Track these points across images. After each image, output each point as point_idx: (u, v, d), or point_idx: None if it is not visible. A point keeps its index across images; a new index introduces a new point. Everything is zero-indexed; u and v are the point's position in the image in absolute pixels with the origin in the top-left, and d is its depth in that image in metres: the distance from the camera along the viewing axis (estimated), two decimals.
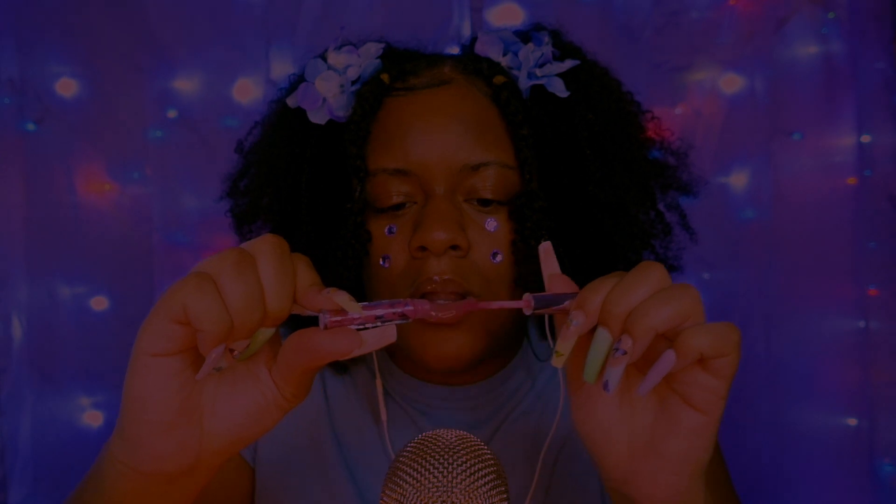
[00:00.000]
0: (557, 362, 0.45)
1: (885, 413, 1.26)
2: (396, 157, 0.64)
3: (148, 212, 1.33)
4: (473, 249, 0.63)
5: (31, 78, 1.30)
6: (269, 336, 0.44)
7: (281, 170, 0.72)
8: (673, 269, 0.75)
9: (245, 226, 0.78)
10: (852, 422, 1.30)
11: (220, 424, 0.45)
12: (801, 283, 1.32)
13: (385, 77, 0.68)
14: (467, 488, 0.44)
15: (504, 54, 0.69)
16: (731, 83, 1.34)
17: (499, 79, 0.67)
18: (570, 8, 1.33)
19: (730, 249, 1.34)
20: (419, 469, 0.45)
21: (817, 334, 1.31)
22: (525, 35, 0.71)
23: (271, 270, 0.42)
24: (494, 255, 0.63)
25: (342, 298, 0.43)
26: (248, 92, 1.33)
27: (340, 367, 0.77)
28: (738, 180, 1.35)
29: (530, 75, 0.68)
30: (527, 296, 0.47)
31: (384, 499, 0.46)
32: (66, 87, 1.31)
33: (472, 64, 0.69)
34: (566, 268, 0.66)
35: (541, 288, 0.49)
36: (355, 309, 0.43)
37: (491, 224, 0.64)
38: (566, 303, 0.46)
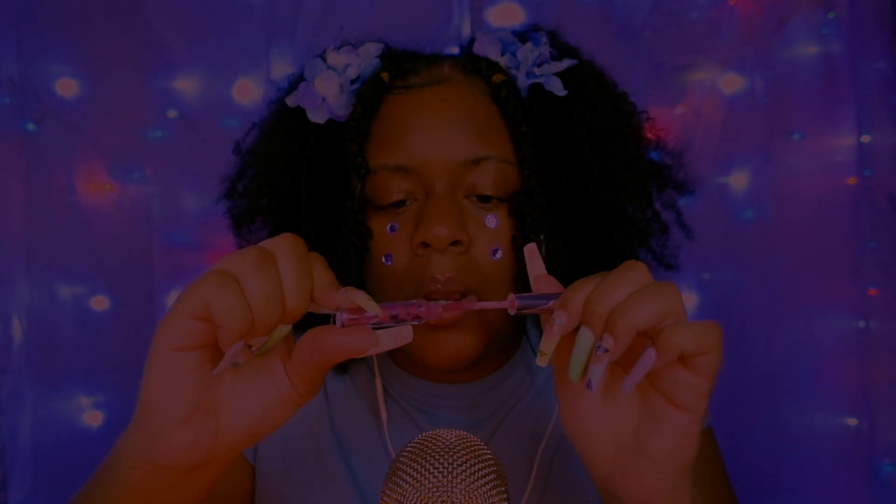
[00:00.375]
0: (541, 361, 0.46)
1: (885, 413, 1.27)
2: (397, 154, 0.64)
3: (148, 212, 1.33)
4: (474, 246, 0.63)
5: (31, 78, 1.30)
6: (286, 333, 0.44)
7: (280, 169, 0.72)
8: (670, 267, 0.76)
9: (243, 226, 0.78)
10: (852, 422, 1.30)
11: (236, 418, 0.45)
12: (800, 283, 1.32)
13: (385, 76, 0.69)
14: (467, 488, 0.44)
15: (502, 54, 0.70)
16: (731, 83, 1.34)
17: (498, 77, 0.67)
18: (570, 8, 1.33)
19: (730, 249, 1.34)
20: (419, 469, 0.45)
21: (817, 334, 1.32)
22: (523, 35, 0.71)
23: (291, 269, 0.42)
24: (495, 251, 0.64)
25: (360, 297, 0.43)
26: (248, 92, 1.33)
27: (341, 367, 0.77)
28: (738, 180, 1.35)
29: (528, 74, 0.68)
30: (511, 296, 0.47)
31: (384, 499, 0.46)
32: (66, 87, 1.31)
33: (471, 63, 0.70)
34: (565, 265, 0.67)
35: None
36: (374, 308, 0.44)
37: (491, 221, 0.64)
38: (550, 303, 0.47)
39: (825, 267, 1.31)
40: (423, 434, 0.47)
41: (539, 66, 0.68)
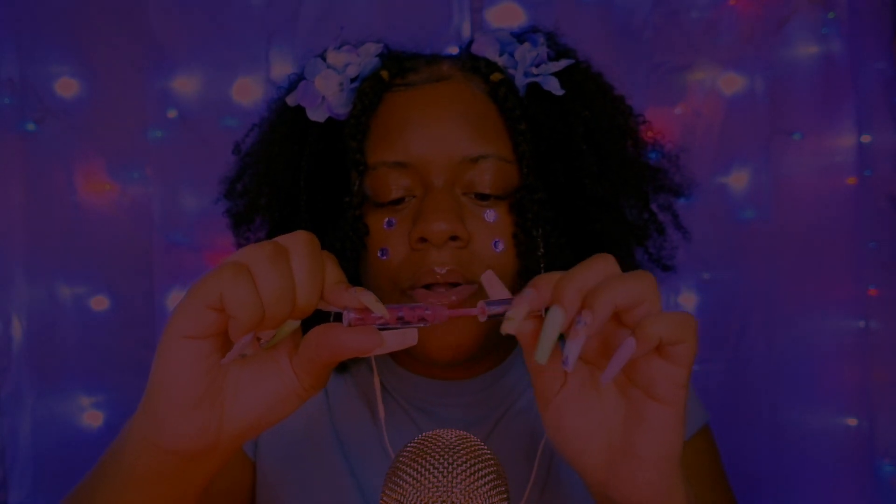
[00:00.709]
0: (507, 327, 0.45)
1: (885, 413, 1.26)
2: (396, 150, 0.65)
3: (148, 212, 1.33)
4: (474, 240, 0.64)
5: (31, 78, 1.30)
6: (294, 328, 0.45)
7: (280, 167, 0.73)
8: (667, 268, 0.76)
9: (242, 226, 0.78)
10: (852, 422, 1.30)
11: (241, 408, 0.46)
12: (801, 283, 1.32)
13: (384, 74, 0.69)
14: (467, 488, 0.44)
15: (500, 54, 0.71)
16: (731, 83, 1.34)
17: (496, 76, 0.68)
18: (571, 8, 1.33)
19: (730, 249, 1.34)
20: (419, 469, 0.45)
21: (817, 334, 1.31)
22: (521, 36, 0.72)
23: (304, 265, 0.43)
24: (496, 244, 0.64)
25: (368, 298, 0.44)
26: (248, 92, 1.33)
27: (341, 366, 0.77)
28: (738, 180, 1.35)
29: (526, 73, 0.69)
30: (481, 303, 0.47)
31: (384, 499, 0.46)
32: (66, 87, 1.31)
33: (470, 62, 0.71)
34: (567, 261, 0.67)
35: None
36: (381, 310, 0.44)
37: (490, 215, 0.65)
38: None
39: (825, 267, 1.31)
40: (423, 434, 0.47)
41: (537, 65, 0.69)
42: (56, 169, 1.31)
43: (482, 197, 0.65)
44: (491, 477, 0.45)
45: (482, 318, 0.47)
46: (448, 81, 0.68)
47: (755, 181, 1.34)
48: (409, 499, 0.44)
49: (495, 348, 0.70)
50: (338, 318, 0.47)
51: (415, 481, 0.44)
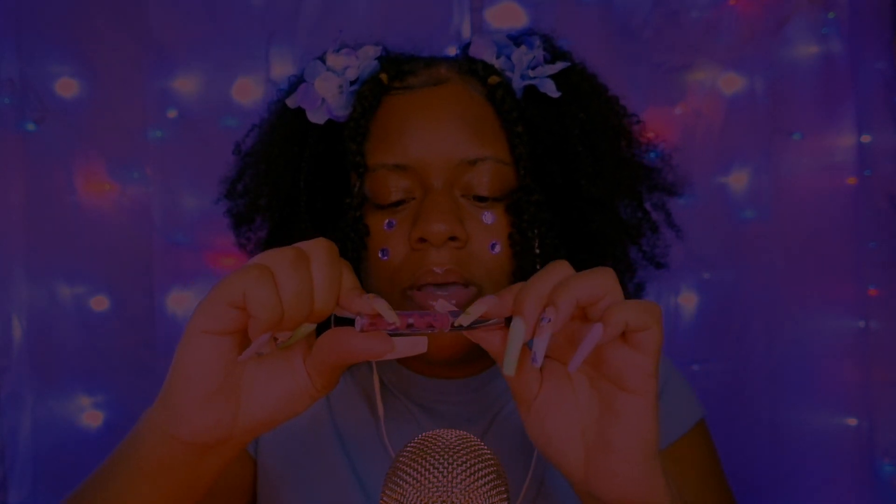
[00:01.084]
0: (463, 320, 0.47)
1: (885, 413, 1.26)
2: (395, 153, 0.66)
3: (148, 212, 1.33)
4: (472, 241, 0.65)
5: (31, 78, 1.30)
6: (310, 331, 0.47)
7: (280, 169, 0.73)
8: (660, 266, 0.78)
9: (243, 226, 0.79)
10: (852, 422, 1.30)
11: (255, 405, 0.48)
12: (801, 283, 1.32)
13: (384, 77, 0.70)
14: (467, 488, 0.44)
15: (497, 57, 0.72)
16: (731, 83, 1.34)
17: (493, 79, 0.69)
18: (570, 8, 1.33)
19: (730, 249, 1.34)
20: (419, 469, 0.45)
21: (817, 334, 1.32)
22: (517, 39, 0.73)
23: (323, 271, 0.45)
24: (493, 246, 0.65)
25: (381, 305, 0.46)
26: (248, 92, 1.33)
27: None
28: (738, 180, 1.35)
29: (523, 76, 0.70)
30: (447, 314, 0.48)
31: (384, 499, 0.46)
32: (66, 87, 1.31)
33: (468, 65, 0.72)
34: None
35: None
36: (392, 317, 0.46)
37: (488, 217, 0.66)
38: (490, 322, 0.48)
39: (825, 267, 1.31)
40: (423, 434, 0.47)
41: (533, 68, 0.70)
42: (56, 169, 1.31)
43: (480, 199, 0.66)
44: (491, 477, 0.45)
45: (445, 330, 0.48)
46: (446, 85, 0.69)
47: (755, 181, 1.34)
48: (409, 499, 0.44)
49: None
50: (339, 322, 0.48)
51: (415, 481, 0.44)
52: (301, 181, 0.71)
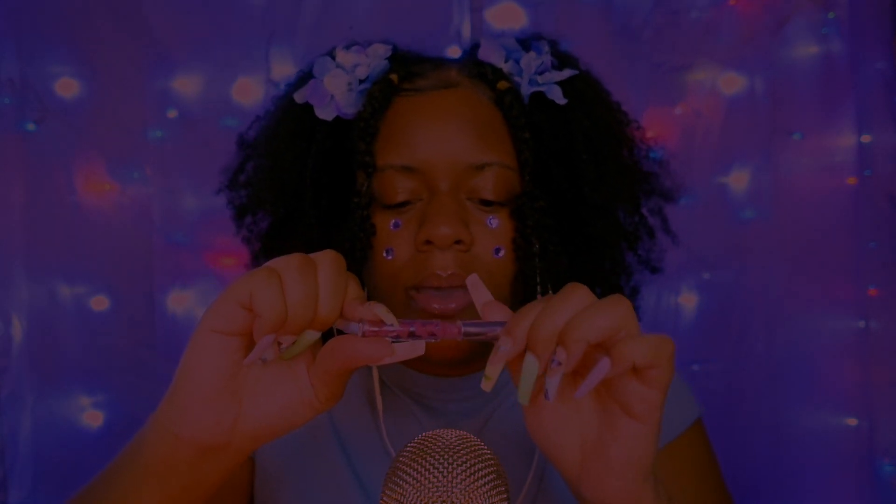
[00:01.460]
0: (486, 386, 0.48)
1: (885, 413, 1.26)
2: (403, 154, 0.66)
3: (148, 212, 1.33)
4: (476, 245, 0.65)
5: (31, 78, 1.29)
6: (314, 340, 0.48)
7: (286, 163, 0.73)
8: (655, 270, 0.78)
9: (245, 216, 0.79)
10: (852, 422, 1.30)
11: (257, 410, 0.49)
12: (801, 283, 1.32)
13: (394, 77, 0.71)
14: (467, 488, 0.44)
15: (505, 60, 0.72)
16: (731, 83, 1.34)
17: (503, 84, 0.70)
18: (571, 8, 1.33)
19: (730, 249, 1.34)
20: (419, 469, 0.45)
21: (817, 334, 1.32)
22: (525, 42, 0.74)
23: (329, 280, 0.46)
24: (497, 250, 0.66)
25: (381, 309, 0.47)
26: (248, 92, 1.33)
27: None
28: (738, 180, 1.35)
29: (531, 82, 0.71)
30: (458, 322, 0.48)
31: (384, 499, 0.46)
32: (66, 87, 1.31)
33: (477, 68, 0.72)
34: (563, 266, 0.69)
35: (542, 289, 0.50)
36: (393, 321, 0.47)
37: (493, 222, 0.66)
38: (498, 330, 0.48)
39: (825, 267, 1.31)
40: (423, 434, 0.47)
41: (541, 73, 0.71)
42: (56, 169, 1.31)
43: (485, 203, 0.66)
44: (491, 477, 0.45)
45: (459, 338, 0.48)
46: (456, 88, 0.70)
47: (755, 181, 1.34)
48: (409, 499, 0.44)
49: (493, 348, 0.71)
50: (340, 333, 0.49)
51: (415, 481, 0.44)
52: (307, 177, 0.72)
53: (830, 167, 1.31)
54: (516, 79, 0.71)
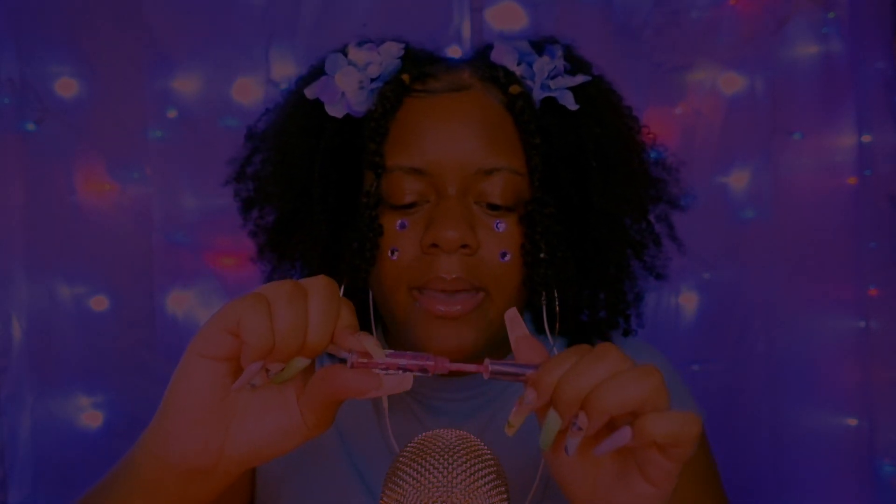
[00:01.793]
0: (509, 432, 0.48)
1: (885, 413, 1.27)
2: (413, 156, 0.66)
3: (148, 212, 1.33)
4: (482, 248, 0.65)
5: (31, 78, 1.29)
6: (303, 366, 0.47)
7: (295, 157, 0.73)
8: (659, 277, 0.78)
9: (252, 210, 0.79)
10: (852, 422, 1.30)
11: (244, 436, 0.48)
12: (801, 283, 1.32)
13: (406, 77, 0.70)
14: (467, 488, 0.44)
15: (518, 63, 0.72)
16: (731, 83, 1.34)
17: (515, 88, 0.69)
18: (571, 8, 1.33)
19: (730, 249, 1.34)
20: (419, 469, 0.45)
21: (817, 334, 1.32)
22: (539, 45, 0.73)
23: (319, 307, 0.46)
24: (503, 255, 0.66)
25: (369, 343, 0.46)
26: (248, 92, 1.33)
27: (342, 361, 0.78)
28: (738, 180, 1.35)
29: (543, 87, 0.70)
30: (487, 361, 0.48)
31: (384, 499, 0.46)
32: (66, 87, 1.31)
33: (489, 71, 0.71)
34: (572, 272, 0.69)
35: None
36: (379, 354, 0.46)
37: (500, 226, 0.66)
38: (526, 373, 0.48)
39: (825, 266, 1.31)
40: (423, 434, 0.47)
41: (553, 78, 0.70)
42: (56, 169, 1.31)
43: (493, 207, 0.66)
44: (491, 477, 0.45)
45: (486, 377, 0.49)
46: (468, 91, 0.69)
47: (755, 181, 1.34)
48: (410, 499, 0.44)
49: (495, 350, 0.71)
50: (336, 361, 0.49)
51: (415, 481, 0.44)
52: (315, 173, 0.71)
53: (830, 167, 1.32)
54: (528, 83, 0.71)
